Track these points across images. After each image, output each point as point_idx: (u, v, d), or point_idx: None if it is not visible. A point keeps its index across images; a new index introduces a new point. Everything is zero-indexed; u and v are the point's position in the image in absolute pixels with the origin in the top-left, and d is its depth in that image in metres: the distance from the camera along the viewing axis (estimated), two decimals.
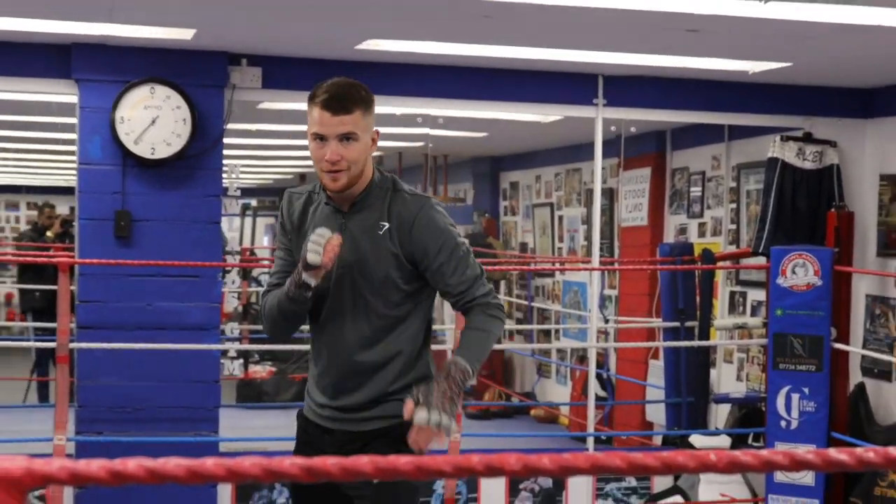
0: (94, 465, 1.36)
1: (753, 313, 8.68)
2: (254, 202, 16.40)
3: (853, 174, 7.70)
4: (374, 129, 3.67)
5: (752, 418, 7.80)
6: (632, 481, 7.52)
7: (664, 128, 9.66)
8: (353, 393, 3.74)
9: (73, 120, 6.84)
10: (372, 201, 3.71)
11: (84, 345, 6.68)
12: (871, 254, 7.64)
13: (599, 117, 7.51)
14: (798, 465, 1.40)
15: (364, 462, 1.29)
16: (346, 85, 3.65)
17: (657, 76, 7.47)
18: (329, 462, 1.34)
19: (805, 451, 1.41)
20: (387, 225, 3.67)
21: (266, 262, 8.22)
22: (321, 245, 3.52)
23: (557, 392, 11.27)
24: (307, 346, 10.64)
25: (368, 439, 3.72)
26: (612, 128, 8.52)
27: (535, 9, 5.45)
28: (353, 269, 3.69)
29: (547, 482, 7.34)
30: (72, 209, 10.02)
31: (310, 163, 10.79)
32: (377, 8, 5.65)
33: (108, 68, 6.71)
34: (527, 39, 6.46)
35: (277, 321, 3.80)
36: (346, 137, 3.58)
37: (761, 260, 7.65)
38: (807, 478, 7.06)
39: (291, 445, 8.18)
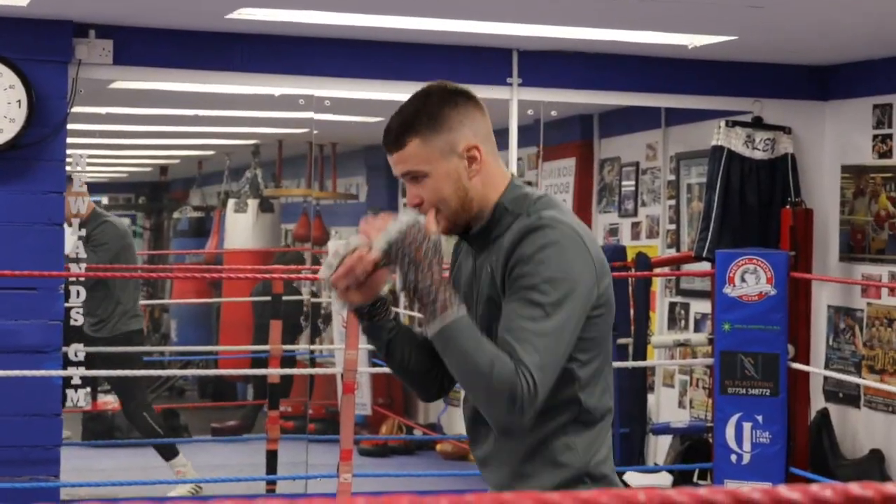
0: None
1: (697, 328, 8.71)
2: (105, 200, 16.21)
3: (811, 165, 7.76)
4: (466, 143, 3.22)
5: (696, 452, 7.82)
6: None
7: (591, 112, 9.67)
8: None
9: None
10: (498, 233, 3.25)
11: None
12: (833, 258, 7.70)
13: (514, 99, 7.50)
14: None
15: None
16: (404, 108, 3.30)
17: (582, 51, 7.47)
18: None
19: (751, 489, 1.37)
20: (499, 258, 3.21)
21: (119, 274, 8.07)
22: (338, 255, 3.15)
23: None
24: (168, 372, 10.41)
25: None
26: (530, 111, 8.50)
27: None
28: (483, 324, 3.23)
29: None
30: None
31: (173, 152, 10.58)
32: None
33: None
34: (429, 9, 6.44)
35: None
36: (413, 177, 3.24)
37: (705, 266, 7.67)
38: None
39: (143, 490, 8.09)
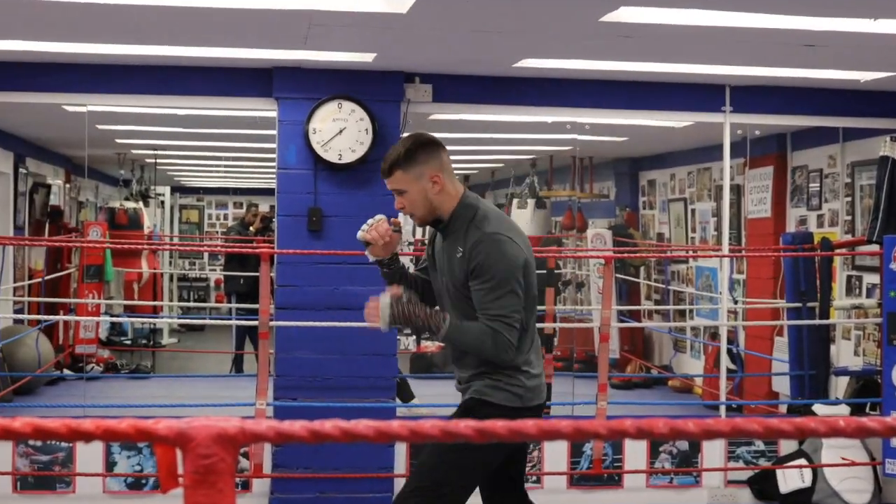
0: (297, 426, 1.38)
1: (869, 295, 8.45)
2: None
3: None
4: (430, 173, 3.89)
5: (868, 389, 7.59)
6: (760, 445, 7.38)
7: (785, 131, 9.45)
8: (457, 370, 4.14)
9: (273, 132, 6.97)
10: (455, 228, 3.94)
11: (282, 323, 6.80)
12: None
13: (727, 122, 7.39)
14: None
15: (530, 425, 1.29)
16: (393, 150, 3.95)
17: (778, 85, 7.32)
18: (498, 425, 1.34)
19: None
20: (462, 250, 3.87)
21: None
22: (369, 225, 4.04)
23: (692, 365, 11.12)
24: None
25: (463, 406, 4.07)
26: (739, 131, 8.36)
27: (670, 28, 5.40)
28: (446, 280, 3.99)
29: (684, 445, 7.24)
30: (272, 207, 10.22)
31: (472, 166, 10.75)
32: (532, 32, 5.64)
33: (302, 87, 6.82)
34: (662, 55, 6.38)
35: None
36: (398, 192, 3.93)
37: (875, 247, 7.44)
38: None
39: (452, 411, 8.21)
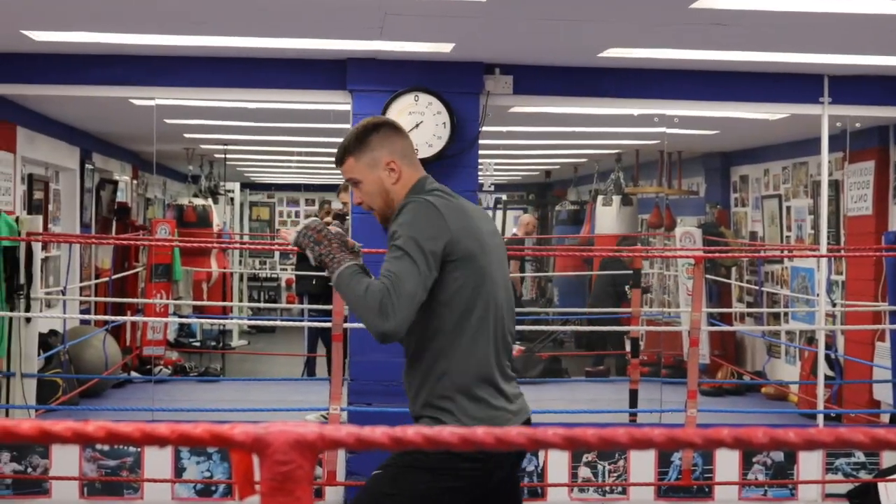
0: (378, 432, 1.40)
1: None
2: (504, 196, 16.49)
3: None
4: (385, 159, 3.62)
5: None
6: (860, 456, 7.28)
7: (888, 123, 9.30)
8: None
9: (347, 126, 7.01)
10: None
11: (356, 325, 6.83)
12: None
13: (825, 115, 7.30)
14: None
15: (620, 433, 1.29)
16: (345, 137, 3.68)
17: (881, 75, 7.22)
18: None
19: None
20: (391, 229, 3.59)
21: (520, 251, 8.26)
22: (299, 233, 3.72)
23: (787, 371, 10.99)
24: (552, 328, 10.59)
25: None
26: (838, 124, 8.25)
27: (764, 14, 5.35)
28: None
29: (779, 456, 7.16)
30: (344, 204, 10.28)
31: (555, 160, 10.75)
32: (618, 20, 5.62)
33: (377, 79, 6.87)
34: (755, 43, 6.33)
35: None
36: (354, 183, 3.69)
37: None
38: None
39: (553, 417, 8.23)
